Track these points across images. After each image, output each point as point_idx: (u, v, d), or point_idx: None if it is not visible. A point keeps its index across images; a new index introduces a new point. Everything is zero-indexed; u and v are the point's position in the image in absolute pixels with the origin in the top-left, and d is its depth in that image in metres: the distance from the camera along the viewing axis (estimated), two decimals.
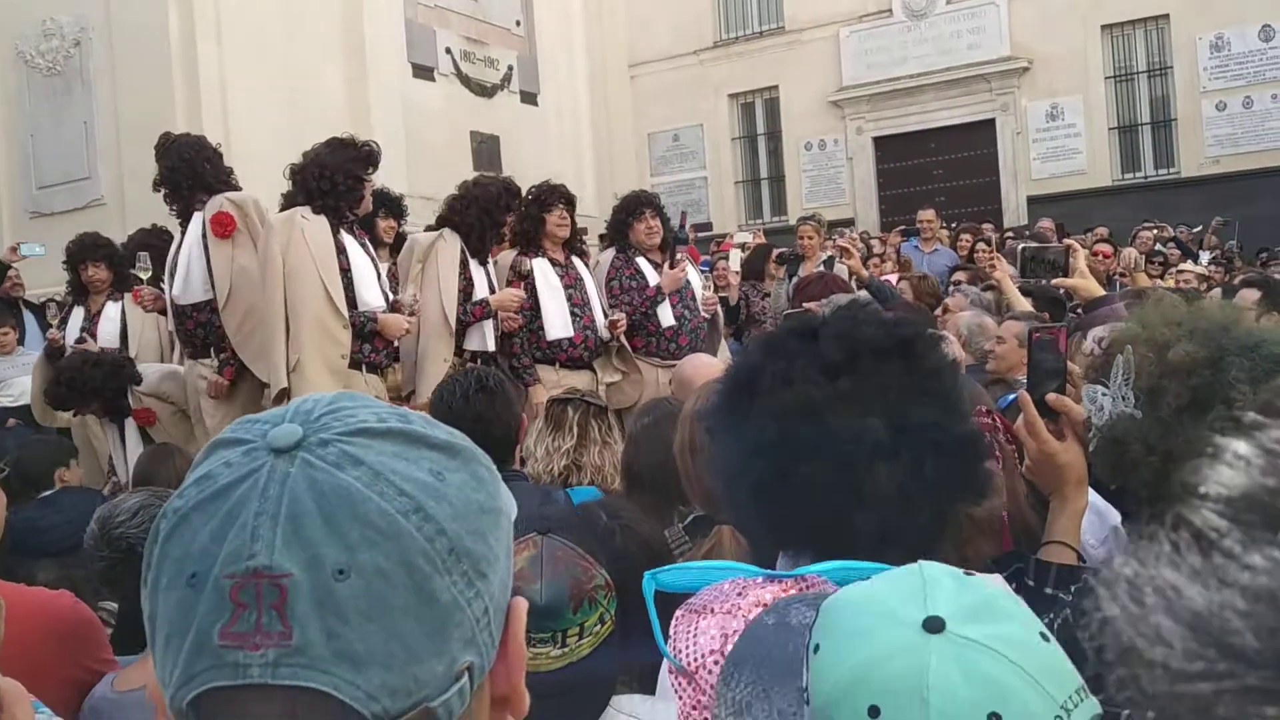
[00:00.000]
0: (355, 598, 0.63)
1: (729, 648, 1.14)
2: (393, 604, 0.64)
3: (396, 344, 5.12)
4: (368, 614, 0.63)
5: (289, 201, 4.99)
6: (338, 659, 0.63)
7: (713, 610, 1.20)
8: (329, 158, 4.85)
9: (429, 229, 5.90)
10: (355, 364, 4.89)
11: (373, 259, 5.04)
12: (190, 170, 5.21)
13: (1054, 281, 3.27)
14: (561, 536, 1.55)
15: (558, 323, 5.71)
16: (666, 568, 1.20)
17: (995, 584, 1.02)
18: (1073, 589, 1.61)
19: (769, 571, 1.20)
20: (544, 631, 1.45)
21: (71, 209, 11.70)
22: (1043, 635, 0.94)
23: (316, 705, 0.63)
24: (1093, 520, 1.86)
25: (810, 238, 8.48)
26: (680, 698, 1.18)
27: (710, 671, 1.15)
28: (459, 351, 5.43)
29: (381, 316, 4.86)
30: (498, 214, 5.56)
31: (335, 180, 4.80)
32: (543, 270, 5.75)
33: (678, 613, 1.22)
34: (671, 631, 1.21)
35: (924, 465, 1.40)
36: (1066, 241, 3.53)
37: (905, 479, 1.40)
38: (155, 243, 6.29)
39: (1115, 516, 2.08)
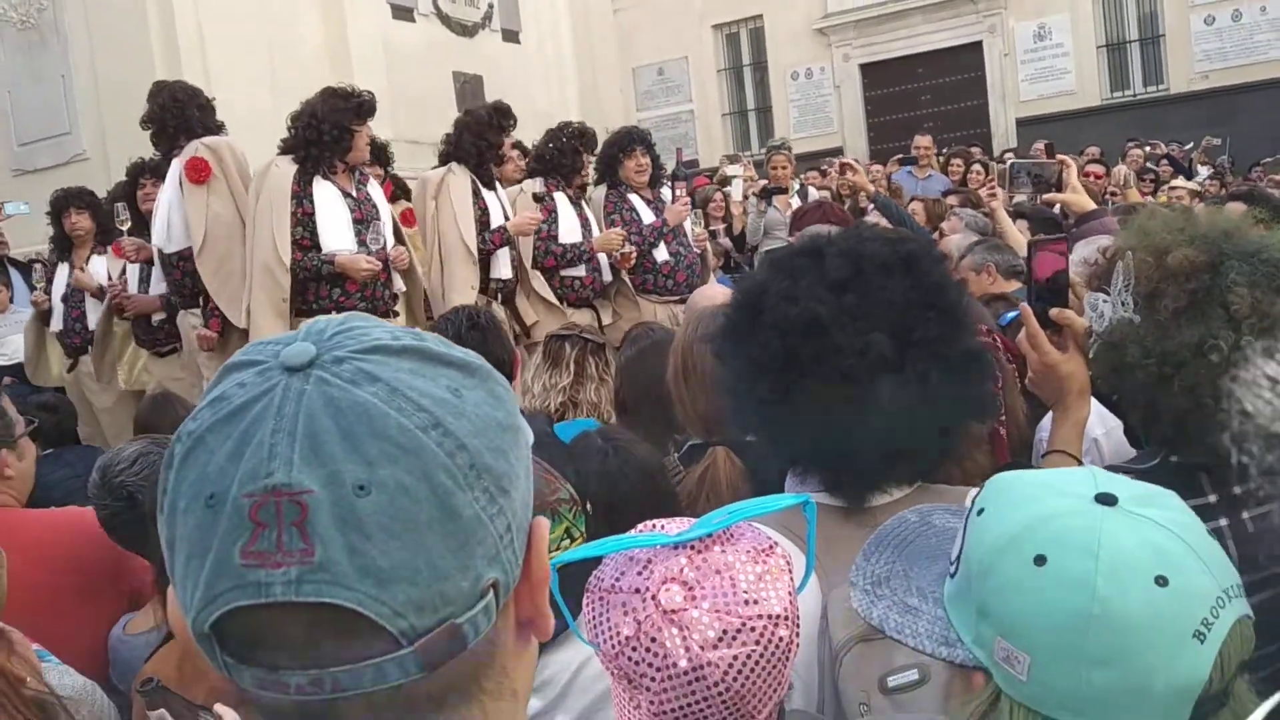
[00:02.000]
0: (377, 513, 0.62)
1: (643, 633, 1.13)
2: (416, 519, 0.63)
3: (388, 291, 5.04)
4: (390, 530, 0.62)
5: (284, 148, 4.96)
6: (362, 575, 0.61)
7: (620, 589, 1.17)
8: (320, 107, 4.84)
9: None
10: (324, 310, 4.82)
11: (361, 204, 4.95)
12: (180, 113, 5.16)
13: (1045, 197, 3.28)
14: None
15: (576, 260, 5.76)
16: (568, 553, 1.15)
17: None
18: None
19: (674, 537, 1.16)
20: None
21: (54, 165, 11.56)
22: (1207, 531, 0.98)
23: (341, 623, 0.62)
24: None
25: (784, 167, 8.47)
26: (612, 675, 1.18)
27: (629, 659, 1.14)
28: (486, 283, 5.44)
29: (340, 257, 4.79)
30: (492, 135, 5.57)
31: (321, 130, 4.78)
32: (564, 206, 5.77)
33: (586, 594, 1.20)
34: (584, 614, 1.19)
35: (929, 380, 1.41)
36: (1060, 157, 3.52)
37: (911, 393, 1.41)
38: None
39: (1106, 425, 2.11)
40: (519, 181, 6.14)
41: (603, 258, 5.84)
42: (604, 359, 3.43)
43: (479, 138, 5.51)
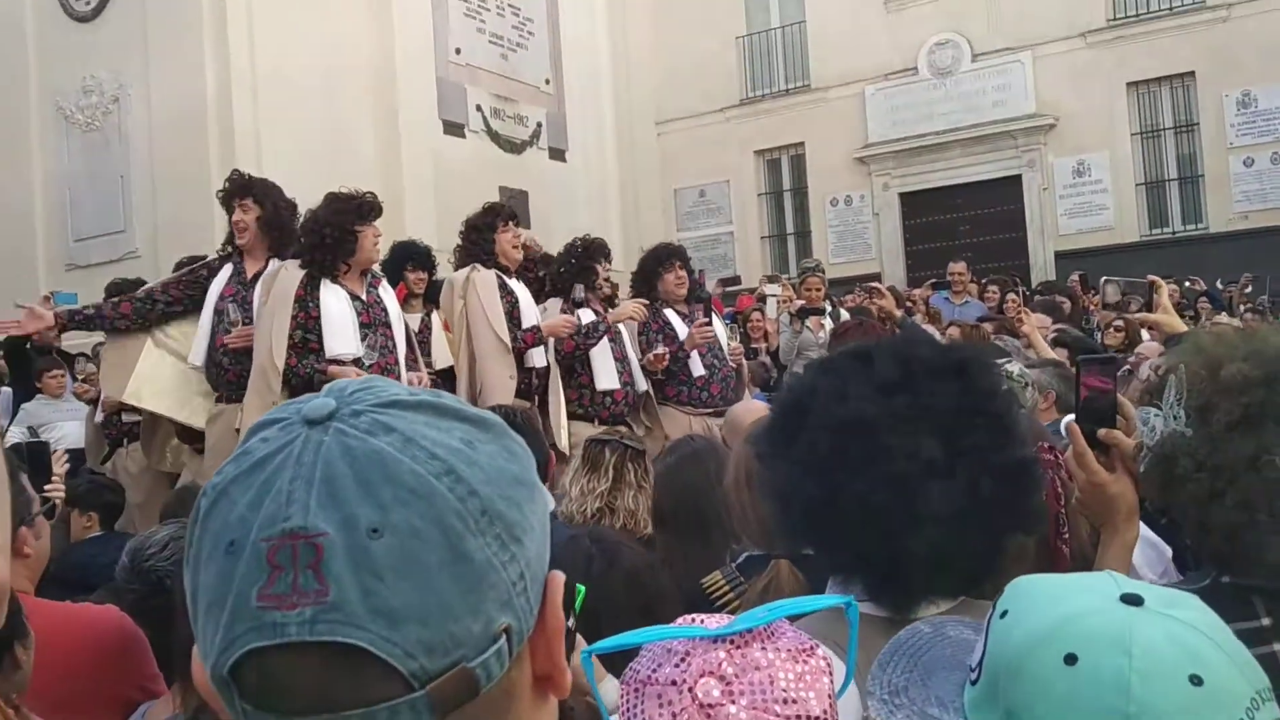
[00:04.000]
0: (390, 555, 0.63)
1: None
2: (427, 561, 0.64)
3: None
4: (402, 571, 0.63)
5: (296, 255, 5.01)
6: (374, 615, 0.63)
7: (656, 681, 1.14)
8: (322, 211, 4.91)
9: None
10: None
11: (370, 307, 4.97)
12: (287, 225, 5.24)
13: (1138, 317, 3.33)
14: None
15: (606, 374, 5.73)
16: (604, 641, 1.14)
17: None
18: None
19: (713, 630, 1.14)
20: None
21: (107, 261, 11.89)
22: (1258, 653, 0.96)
23: (354, 665, 0.63)
24: (1150, 554, 1.85)
25: (818, 289, 8.56)
26: None
27: None
28: (521, 375, 5.46)
29: (331, 369, 4.75)
30: (486, 231, 5.74)
31: (324, 233, 4.83)
32: (590, 321, 5.77)
33: (622, 686, 1.17)
34: (622, 706, 1.16)
35: (979, 487, 1.39)
36: (1151, 278, 3.59)
37: (960, 500, 1.39)
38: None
39: (1167, 550, 2.06)
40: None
41: (635, 369, 5.83)
42: (643, 466, 3.41)
43: (481, 235, 5.66)
